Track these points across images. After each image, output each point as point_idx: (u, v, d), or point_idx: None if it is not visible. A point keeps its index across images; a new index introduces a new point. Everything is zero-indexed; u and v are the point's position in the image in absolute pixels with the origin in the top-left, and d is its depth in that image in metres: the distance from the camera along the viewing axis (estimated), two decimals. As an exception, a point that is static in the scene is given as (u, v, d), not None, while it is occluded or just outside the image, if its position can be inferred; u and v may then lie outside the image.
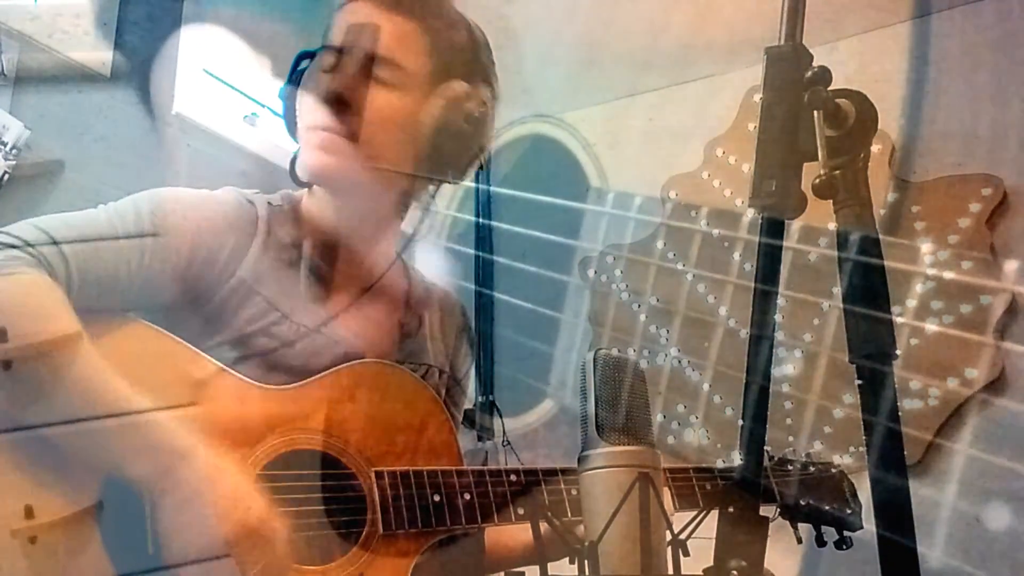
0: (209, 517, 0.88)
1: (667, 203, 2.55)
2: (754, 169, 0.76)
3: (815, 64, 0.77)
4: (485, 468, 1.05)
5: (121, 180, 1.06)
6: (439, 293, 1.26)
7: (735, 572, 0.71)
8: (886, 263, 0.76)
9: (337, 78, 1.07)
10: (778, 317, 2.19)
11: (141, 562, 0.87)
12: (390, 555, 0.98)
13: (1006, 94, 2.13)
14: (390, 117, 1.05)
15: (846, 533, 1.24)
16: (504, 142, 2.79)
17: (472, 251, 2.22)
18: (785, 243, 0.77)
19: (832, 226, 0.77)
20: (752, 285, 0.76)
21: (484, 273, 2.38)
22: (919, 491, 0.70)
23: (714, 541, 0.74)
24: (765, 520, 0.74)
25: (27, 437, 0.88)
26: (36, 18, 1.94)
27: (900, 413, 0.74)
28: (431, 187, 1.15)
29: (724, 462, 2.24)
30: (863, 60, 2.30)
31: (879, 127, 0.79)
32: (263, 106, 2.47)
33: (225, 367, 0.98)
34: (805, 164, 0.76)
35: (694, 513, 0.93)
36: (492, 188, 2.34)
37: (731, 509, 0.74)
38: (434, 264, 1.27)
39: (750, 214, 2.33)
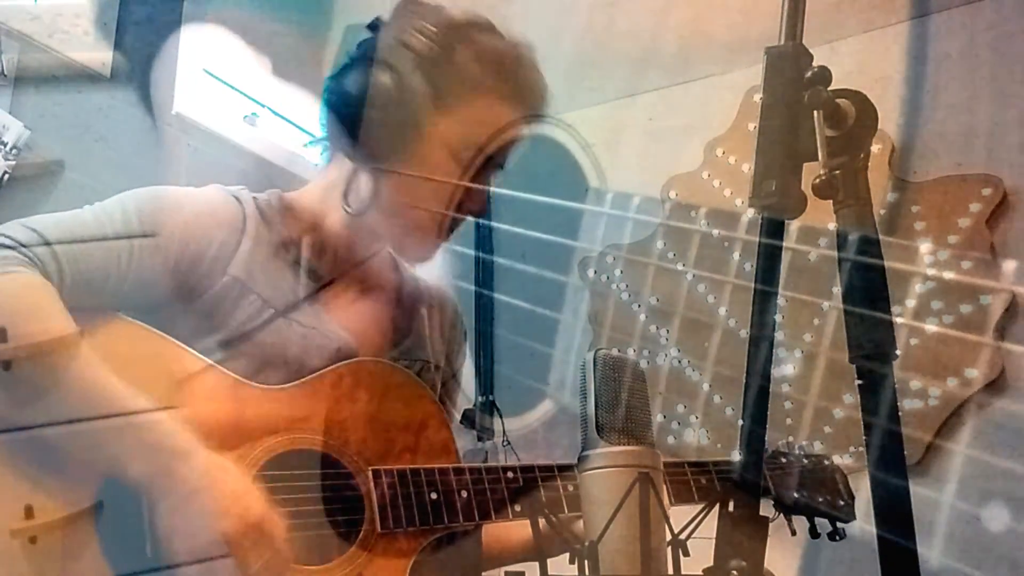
0: (208, 516, 0.88)
1: (667, 203, 2.55)
2: (754, 169, 0.76)
3: (815, 64, 0.77)
4: (482, 466, 1.05)
5: (121, 180, 1.05)
6: (431, 288, 1.26)
7: (735, 572, 0.71)
8: (886, 263, 0.75)
9: (479, 202, 1.08)
10: (778, 317, 2.19)
11: (140, 563, 0.87)
12: (389, 554, 0.98)
13: (1006, 94, 2.13)
14: None
15: (839, 525, 1.24)
16: (504, 142, 2.77)
17: (472, 251, 2.23)
18: (785, 243, 0.77)
19: (832, 226, 0.77)
20: (752, 285, 0.76)
21: (484, 273, 2.38)
22: (919, 491, 0.70)
23: (714, 541, 0.74)
24: (765, 520, 0.74)
25: (26, 437, 0.88)
26: (36, 18, 1.94)
27: (900, 413, 0.74)
28: None
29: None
30: (863, 60, 2.30)
31: (879, 127, 0.79)
32: (263, 106, 2.47)
33: (220, 367, 0.98)
34: (805, 164, 0.76)
35: (693, 511, 0.93)
36: (492, 188, 2.33)
37: (731, 508, 0.74)
38: (434, 264, 1.27)
39: (750, 214, 2.33)
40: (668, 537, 0.84)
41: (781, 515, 1.22)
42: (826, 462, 1.29)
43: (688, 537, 0.85)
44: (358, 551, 0.97)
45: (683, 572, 0.83)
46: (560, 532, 0.92)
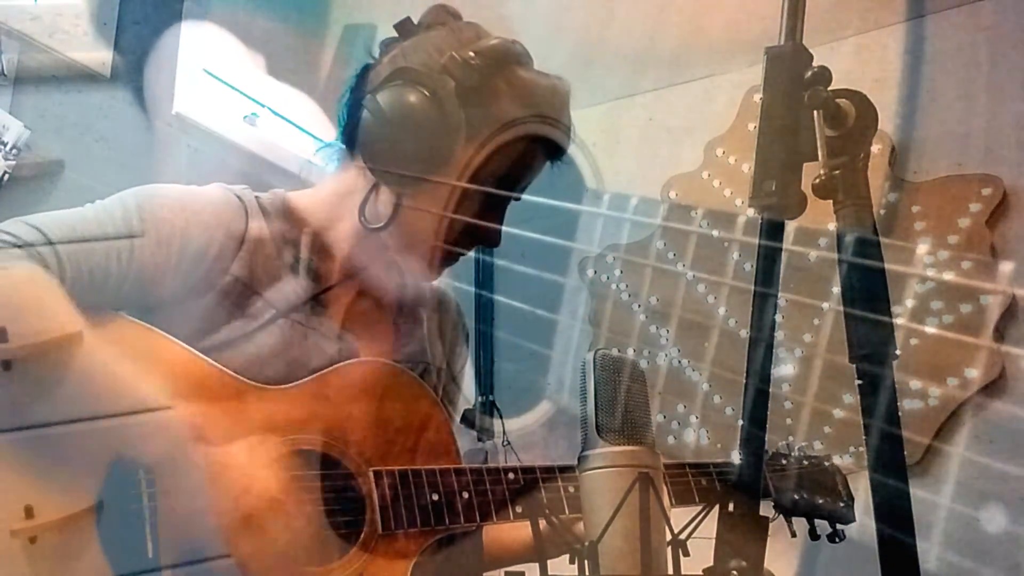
0: (219, 501, 0.88)
1: (667, 203, 2.55)
2: (754, 169, 0.76)
3: (815, 64, 0.77)
4: (483, 467, 1.05)
5: (121, 180, 1.05)
6: (433, 291, 1.26)
7: (735, 572, 0.71)
8: (885, 263, 0.76)
9: (494, 232, 1.10)
10: (778, 318, 2.19)
11: (140, 563, 0.87)
12: (390, 555, 0.98)
13: (1005, 94, 2.13)
14: None
15: (839, 526, 1.25)
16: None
17: (472, 252, 2.22)
18: (785, 244, 0.77)
19: (832, 226, 0.77)
20: (752, 285, 0.76)
21: (484, 274, 2.39)
22: (918, 491, 0.70)
23: (714, 541, 0.74)
24: (765, 520, 0.74)
25: (27, 437, 0.88)
26: (36, 18, 1.94)
27: (900, 413, 0.74)
28: None
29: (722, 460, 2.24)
30: (863, 60, 2.30)
31: (879, 127, 0.79)
32: (263, 106, 2.47)
33: (221, 367, 0.98)
34: (805, 164, 0.76)
35: (693, 512, 0.93)
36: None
37: (731, 509, 0.74)
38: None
39: (749, 214, 2.33)
40: (668, 537, 0.84)
41: (781, 516, 1.22)
42: (826, 464, 1.29)
43: (688, 537, 0.85)
44: (359, 552, 0.97)
45: (683, 572, 0.83)
46: (560, 533, 0.92)
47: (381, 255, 1.11)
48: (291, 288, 1.06)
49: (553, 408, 2.50)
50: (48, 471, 0.87)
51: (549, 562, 0.89)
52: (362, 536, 0.98)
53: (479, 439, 2.34)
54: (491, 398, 2.43)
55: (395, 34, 1.11)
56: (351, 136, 1.09)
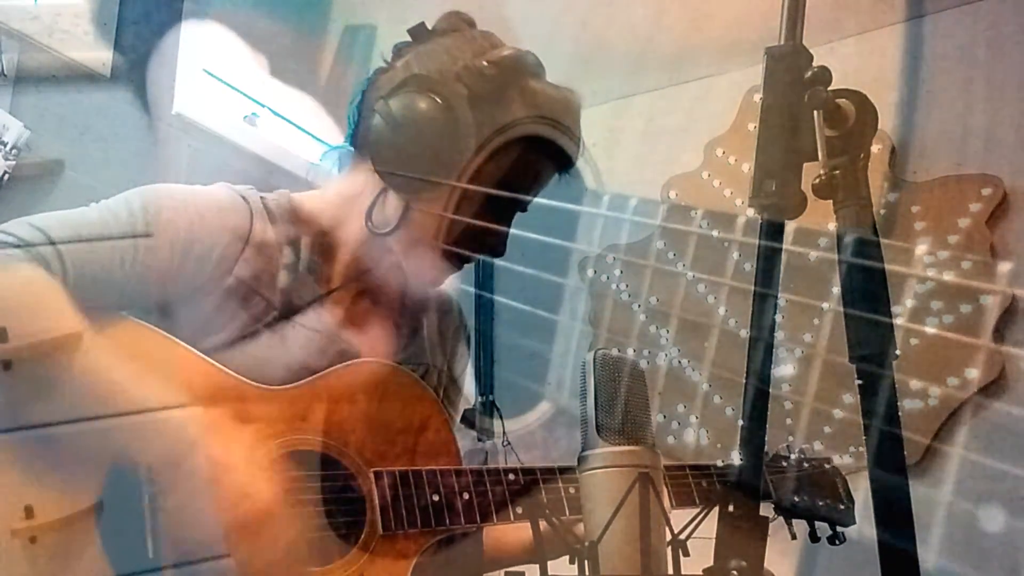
0: (220, 502, 0.88)
1: (667, 203, 2.55)
2: (754, 169, 0.76)
3: (815, 64, 0.77)
4: (483, 468, 1.05)
5: (121, 180, 1.05)
6: (435, 293, 1.26)
7: (735, 572, 0.70)
8: (885, 263, 0.76)
9: (501, 242, 1.10)
10: (778, 318, 2.19)
11: (140, 563, 0.87)
12: (390, 555, 0.98)
13: (1005, 94, 2.13)
14: None
15: (839, 529, 1.25)
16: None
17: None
18: (785, 244, 0.77)
19: (831, 226, 0.77)
20: (751, 285, 0.76)
21: (484, 274, 2.39)
22: (918, 491, 0.70)
23: (714, 541, 0.74)
24: (765, 520, 0.74)
25: (27, 436, 0.88)
26: (36, 18, 1.94)
27: (900, 413, 0.74)
28: None
29: (723, 462, 2.24)
30: (863, 60, 2.30)
31: (879, 127, 0.79)
32: (263, 106, 2.47)
33: (222, 367, 0.98)
34: (805, 164, 0.76)
35: (693, 512, 0.93)
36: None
37: (731, 509, 0.74)
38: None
39: (749, 214, 2.33)
40: (668, 537, 0.84)
41: (781, 518, 1.22)
42: (826, 466, 1.29)
43: (688, 537, 0.85)
44: (359, 552, 0.97)
45: (683, 572, 0.83)
46: (561, 534, 0.92)
47: (386, 259, 1.11)
48: (294, 290, 1.06)
49: (553, 408, 2.50)
50: (48, 471, 0.87)
51: (549, 562, 0.89)
52: (362, 536, 0.98)
53: (479, 439, 2.34)
54: (491, 398, 2.43)
55: (396, 35, 1.11)
56: (361, 139, 1.09)
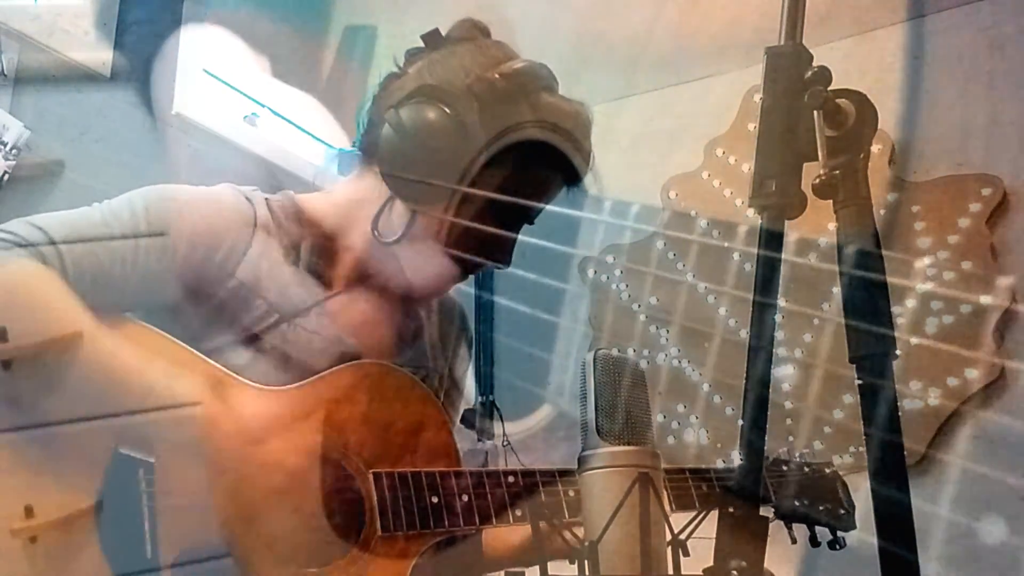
0: (221, 501, 0.89)
1: (667, 203, 2.55)
2: (754, 169, 0.76)
3: (815, 64, 0.77)
4: (483, 470, 1.05)
5: (121, 180, 1.05)
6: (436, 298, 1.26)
7: (735, 572, 0.71)
8: (885, 264, 0.76)
9: (507, 253, 1.11)
10: (778, 318, 2.19)
11: (139, 562, 0.87)
12: (389, 556, 0.98)
13: (1005, 94, 2.13)
14: None
15: (839, 533, 1.24)
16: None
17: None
18: (784, 244, 0.77)
19: (832, 227, 0.77)
20: (752, 285, 0.76)
21: (483, 275, 2.38)
22: (917, 492, 0.70)
23: (714, 541, 0.74)
24: (765, 521, 0.74)
25: (27, 436, 0.88)
26: (36, 18, 1.94)
27: (900, 414, 0.74)
28: None
29: (724, 462, 2.24)
30: (863, 60, 2.30)
31: (879, 127, 0.79)
32: (263, 106, 2.47)
33: (223, 368, 0.98)
34: (805, 164, 0.76)
35: (693, 513, 0.93)
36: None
37: (731, 510, 0.74)
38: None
39: (750, 214, 2.33)
40: (668, 537, 0.84)
41: (781, 523, 1.22)
42: (827, 471, 1.29)
43: (688, 537, 0.85)
44: (359, 553, 0.97)
45: (683, 572, 0.83)
46: (562, 535, 0.92)
47: (389, 266, 1.11)
48: (296, 293, 1.06)
49: (553, 412, 2.50)
50: (48, 470, 0.87)
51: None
52: (361, 537, 0.98)
53: (479, 439, 2.34)
54: (491, 399, 2.43)
55: (397, 35, 1.11)
56: (369, 145, 1.08)
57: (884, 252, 0.76)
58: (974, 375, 1.99)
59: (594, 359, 0.88)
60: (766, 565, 0.73)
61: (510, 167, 1.04)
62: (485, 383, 2.43)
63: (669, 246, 2.52)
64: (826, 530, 1.25)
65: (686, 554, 0.84)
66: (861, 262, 0.74)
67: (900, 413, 0.74)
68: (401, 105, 1.03)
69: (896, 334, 0.76)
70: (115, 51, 2.08)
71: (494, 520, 1.02)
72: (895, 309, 2.04)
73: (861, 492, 1.22)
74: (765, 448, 0.77)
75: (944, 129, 2.18)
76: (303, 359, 1.03)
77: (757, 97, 0.78)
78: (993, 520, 1.88)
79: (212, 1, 2.33)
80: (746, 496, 0.73)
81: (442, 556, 1.04)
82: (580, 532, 0.85)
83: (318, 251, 1.10)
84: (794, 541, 1.21)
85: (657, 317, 2.48)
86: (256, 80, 2.44)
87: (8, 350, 0.85)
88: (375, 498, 0.98)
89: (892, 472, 0.72)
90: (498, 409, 2.39)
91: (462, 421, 2.21)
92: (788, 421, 2.15)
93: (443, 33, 1.10)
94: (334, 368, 1.03)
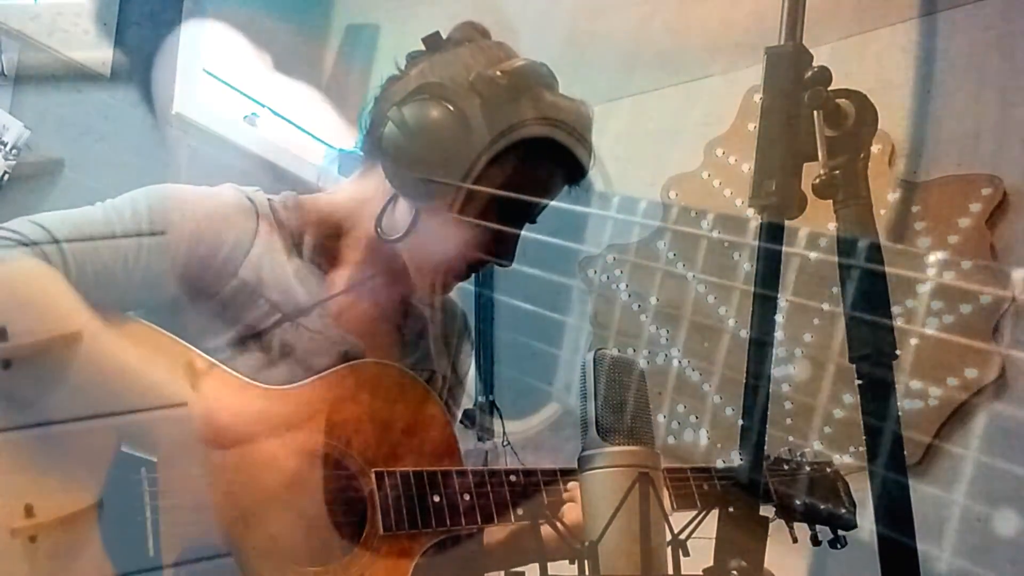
0: (222, 500, 0.89)
1: (667, 203, 2.55)
2: (754, 169, 0.77)
3: (815, 64, 0.77)
4: (485, 469, 1.05)
5: (121, 180, 1.05)
6: (439, 298, 1.26)
7: (735, 572, 0.71)
8: (885, 264, 0.76)
9: (510, 251, 1.10)
10: (778, 318, 2.19)
11: (141, 561, 0.87)
12: (391, 555, 0.98)
13: (1006, 94, 2.13)
14: None
15: (840, 532, 1.25)
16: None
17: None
18: (785, 244, 0.77)
19: (832, 227, 0.77)
20: (752, 284, 0.76)
21: (484, 273, 2.38)
22: (919, 491, 0.70)
23: (714, 541, 0.74)
24: (765, 520, 0.74)
25: (28, 435, 0.88)
26: (36, 18, 1.93)
27: (900, 413, 0.74)
28: None
29: (724, 462, 2.24)
30: (863, 60, 2.30)
31: (879, 127, 0.79)
32: (263, 106, 2.47)
33: (225, 367, 0.98)
34: (805, 164, 0.76)
35: (694, 513, 0.93)
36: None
37: (731, 509, 0.74)
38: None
39: (750, 214, 2.33)
40: (668, 537, 0.84)
41: (782, 521, 1.22)
42: (828, 469, 1.29)
43: (688, 537, 0.85)
44: (361, 552, 0.97)
45: (683, 572, 0.84)
46: (563, 536, 0.92)
47: (393, 265, 1.11)
48: (298, 292, 1.06)
49: (559, 410, 2.50)
50: (48, 470, 0.87)
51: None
52: (364, 536, 0.98)
53: (479, 439, 2.34)
54: (491, 398, 2.43)
55: (399, 35, 1.11)
56: (372, 145, 1.09)
57: (884, 252, 0.76)
58: (974, 375, 1.99)
59: (594, 359, 0.88)
60: (766, 564, 0.73)
61: (513, 164, 1.05)
62: (485, 382, 2.43)
63: (669, 246, 2.52)
64: (827, 529, 1.25)
65: (686, 554, 0.84)
66: (860, 263, 0.75)
67: (900, 412, 0.74)
68: (404, 103, 1.03)
69: (896, 334, 0.76)
70: (115, 50, 2.08)
71: (496, 519, 1.03)
72: (895, 309, 2.04)
73: (862, 492, 1.22)
74: (766, 447, 0.77)
75: (944, 129, 2.18)
76: (306, 359, 1.03)
77: (757, 97, 0.78)
78: (993, 519, 1.88)
79: (212, 1, 2.33)
80: (746, 491, 0.74)
81: (444, 555, 1.04)
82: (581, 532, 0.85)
83: (321, 250, 1.10)
84: (795, 540, 1.22)
85: (657, 316, 2.48)
86: (256, 79, 2.44)
87: (8, 349, 0.85)
88: (377, 497, 0.98)
89: (892, 471, 0.72)
90: (498, 409, 2.39)
91: (462, 420, 2.22)
92: (788, 420, 2.16)
93: (443, 36, 1.11)
94: (336, 368, 1.03)
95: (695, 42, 2.48)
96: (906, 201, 2.17)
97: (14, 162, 1.85)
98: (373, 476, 0.99)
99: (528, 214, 1.11)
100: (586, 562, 0.82)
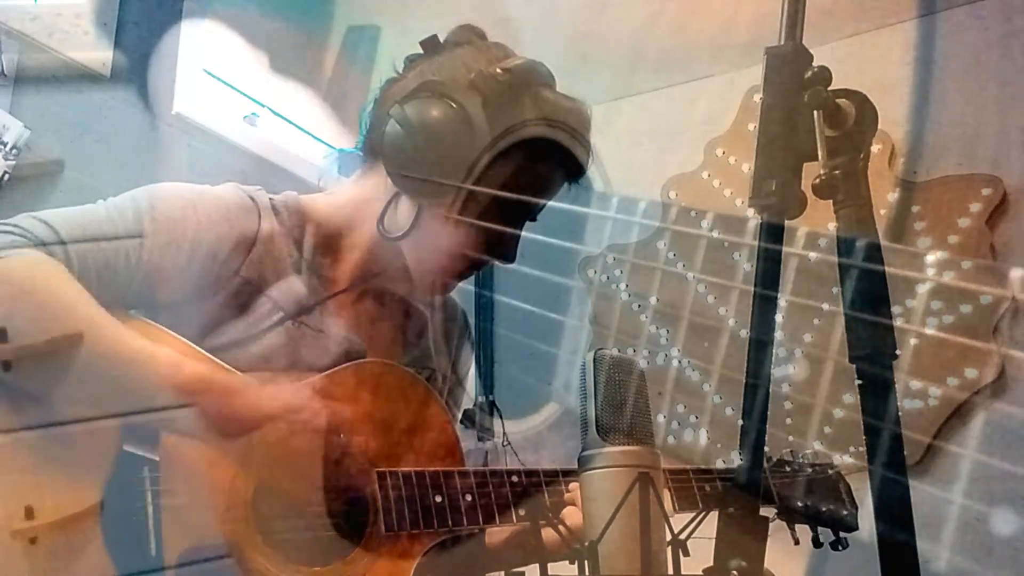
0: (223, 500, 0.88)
1: (667, 203, 2.55)
2: (754, 169, 0.77)
3: (815, 64, 0.77)
4: (486, 469, 1.05)
5: (121, 180, 1.05)
6: (439, 298, 1.26)
7: (735, 572, 0.71)
8: (885, 264, 0.76)
9: (511, 250, 1.11)
10: (778, 318, 2.19)
11: (143, 562, 0.87)
12: (392, 556, 0.98)
13: (1006, 94, 2.13)
14: None
15: (842, 534, 1.24)
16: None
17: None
18: (785, 244, 0.77)
19: (832, 227, 0.77)
20: (752, 284, 0.76)
21: (484, 273, 2.38)
22: (919, 491, 0.70)
23: (714, 541, 0.74)
24: (765, 520, 0.74)
25: (28, 436, 0.88)
26: (36, 18, 1.93)
27: (900, 413, 0.74)
28: None
29: (724, 462, 2.24)
30: (863, 60, 2.30)
31: (879, 127, 0.79)
32: (263, 106, 2.47)
33: (227, 366, 0.98)
34: (805, 164, 0.76)
35: (694, 513, 0.93)
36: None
37: (731, 509, 0.74)
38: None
39: (750, 214, 2.33)
40: (668, 537, 0.84)
41: (784, 523, 1.22)
42: (830, 471, 1.29)
43: (688, 537, 0.85)
44: (362, 552, 0.97)
45: (683, 572, 0.84)
46: (563, 536, 0.92)
47: (394, 264, 1.11)
48: (300, 291, 1.06)
49: (560, 410, 2.50)
50: (49, 471, 0.87)
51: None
52: (365, 536, 0.98)
53: (479, 439, 2.34)
54: (491, 398, 2.43)
55: (399, 35, 1.12)
56: (373, 145, 1.09)
57: (884, 252, 0.76)
58: (974, 375, 1.99)
59: (594, 359, 0.88)
60: (766, 565, 0.73)
61: (514, 163, 1.05)
62: (485, 382, 2.43)
63: (669, 246, 2.52)
64: (828, 530, 1.25)
65: (686, 554, 0.84)
66: (860, 263, 0.75)
67: (900, 412, 0.74)
68: (405, 102, 1.03)
69: (896, 334, 0.76)
70: (115, 51, 2.08)
71: (497, 520, 1.03)
72: (895, 308, 2.04)
73: (862, 493, 1.22)
74: (767, 448, 0.77)
75: (944, 129, 2.19)
76: (307, 358, 1.03)
77: (757, 97, 0.78)
78: (994, 519, 1.88)
79: (212, 1, 2.33)
80: (747, 491, 0.74)
81: (445, 555, 1.04)
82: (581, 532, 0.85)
83: (322, 250, 1.10)
84: (796, 542, 1.21)
85: (657, 316, 2.48)
86: (256, 79, 2.44)
87: (8, 350, 0.85)
88: (379, 497, 0.98)
89: (892, 471, 0.72)
90: (498, 408, 2.39)
91: (462, 420, 2.22)
92: (788, 420, 2.16)
93: (441, 40, 1.11)
94: (339, 367, 1.03)
95: (695, 42, 2.48)
96: (906, 201, 2.17)
97: (14, 162, 1.85)
98: (375, 476, 0.99)
99: (529, 213, 1.12)
100: (586, 562, 0.82)
